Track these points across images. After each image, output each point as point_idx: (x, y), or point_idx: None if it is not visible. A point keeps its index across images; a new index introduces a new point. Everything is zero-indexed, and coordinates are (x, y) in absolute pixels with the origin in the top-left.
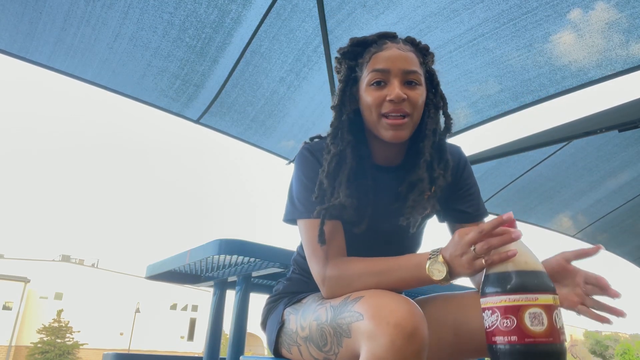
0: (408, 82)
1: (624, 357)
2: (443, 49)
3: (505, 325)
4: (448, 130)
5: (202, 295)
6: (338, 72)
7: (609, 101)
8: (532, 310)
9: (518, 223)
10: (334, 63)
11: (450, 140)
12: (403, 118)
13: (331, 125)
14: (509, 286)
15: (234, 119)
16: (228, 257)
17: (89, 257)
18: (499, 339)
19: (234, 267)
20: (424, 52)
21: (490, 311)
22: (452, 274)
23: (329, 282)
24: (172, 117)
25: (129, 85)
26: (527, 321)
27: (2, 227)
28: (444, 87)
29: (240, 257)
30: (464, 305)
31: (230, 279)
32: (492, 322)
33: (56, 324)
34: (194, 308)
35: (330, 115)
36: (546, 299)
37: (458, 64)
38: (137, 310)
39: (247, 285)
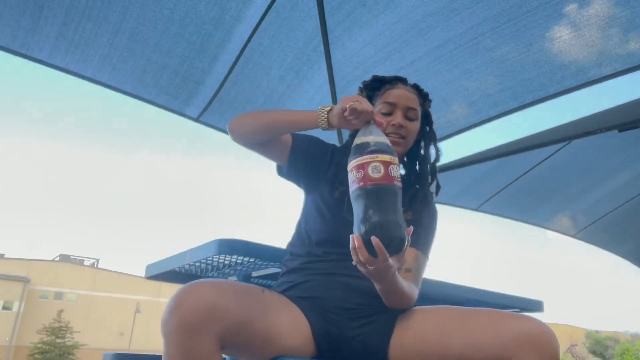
0: (409, 117)
1: (623, 357)
2: (443, 48)
3: (357, 176)
4: (437, 159)
5: None
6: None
7: (609, 101)
8: (373, 164)
9: (518, 223)
10: (334, 67)
11: (451, 140)
12: (400, 138)
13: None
14: (361, 151)
15: (233, 117)
16: (228, 257)
17: (88, 256)
18: (355, 185)
19: (234, 267)
20: (424, 97)
21: (351, 169)
22: (330, 118)
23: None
24: (172, 116)
25: (129, 82)
26: (369, 171)
27: (2, 227)
28: (444, 87)
29: (240, 257)
30: (478, 322)
31: (230, 279)
32: (352, 177)
33: (56, 324)
34: None
35: None
36: (383, 157)
37: (458, 63)
38: (137, 310)
39: None
